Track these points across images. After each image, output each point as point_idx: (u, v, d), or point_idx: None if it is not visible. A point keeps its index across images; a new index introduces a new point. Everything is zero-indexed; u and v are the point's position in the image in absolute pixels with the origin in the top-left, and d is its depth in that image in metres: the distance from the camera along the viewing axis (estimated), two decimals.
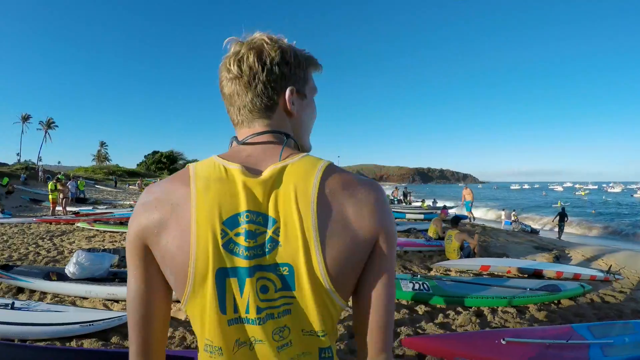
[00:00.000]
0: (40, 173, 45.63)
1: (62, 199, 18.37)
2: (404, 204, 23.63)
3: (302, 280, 0.84)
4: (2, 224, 14.81)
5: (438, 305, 5.34)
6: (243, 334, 0.87)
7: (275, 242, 0.84)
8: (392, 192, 29.06)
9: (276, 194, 0.86)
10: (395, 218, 13.88)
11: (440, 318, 4.89)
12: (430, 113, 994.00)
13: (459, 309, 5.19)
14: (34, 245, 10.07)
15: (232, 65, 0.92)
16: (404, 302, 5.45)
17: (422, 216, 15.77)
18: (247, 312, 0.85)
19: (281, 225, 0.84)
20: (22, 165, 54.69)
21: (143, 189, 29.98)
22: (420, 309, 5.18)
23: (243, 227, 0.83)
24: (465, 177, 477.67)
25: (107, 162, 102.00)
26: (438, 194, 67.86)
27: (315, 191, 0.85)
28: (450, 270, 7.37)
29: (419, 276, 5.87)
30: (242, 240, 0.83)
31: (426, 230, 11.26)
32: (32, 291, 6.06)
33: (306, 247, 0.83)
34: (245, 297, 0.84)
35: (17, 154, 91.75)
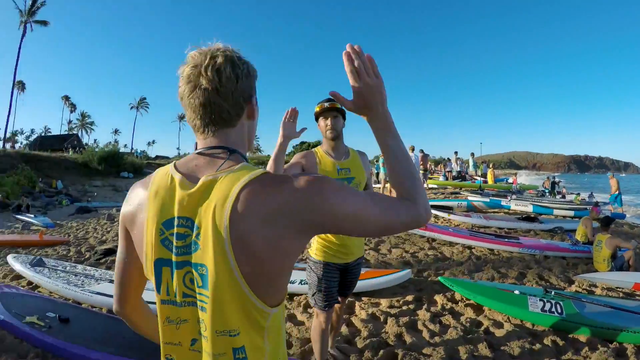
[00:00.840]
0: None
1: None
2: (552, 196, 20.61)
3: (213, 281, 0.96)
4: None
5: (571, 335, 4.27)
6: (172, 313, 1.04)
7: (196, 245, 0.98)
8: (543, 183, 25.98)
9: (202, 203, 0.98)
10: (541, 214, 11.39)
11: (569, 354, 3.89)
12: (589, 94, 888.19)
13: (598, 343, 4.06)
14: None
15: (207, 73, 1.01)
16: (528, 325, 4.50)
17: (572, 213, 13.37)
18: (175, 295, 1.03)
19: (201, 231, 0.97)
20: (179, 158, 61.31)
21: None
22: (547, 338, 4.16)
23: (176, 230, 1.01)
24: (626, 167, 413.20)
25: (259, 153, 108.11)
26: (596, 185, 59.28)
27: (232, 200, 0.95)
28: (595, 286, 5.95)
29: (552, 293, 4.81)
30: (174, 240, 1.01)
31: (573, 232, 9.57)
32: None
33: (218, 250, 0.94)
34: (174, 284, 1.02)
35: (177, 148, 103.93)
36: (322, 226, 0.98)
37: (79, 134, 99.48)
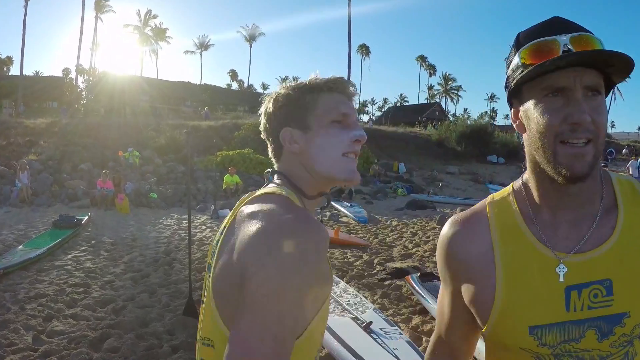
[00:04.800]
0: None
1: None
2: None
3: (205, 287, 1.22)
4: None
5: None
6: None
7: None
8: None
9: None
10: None
11: None
12: None
13: None
14: None
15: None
16: None
17: None
18: None
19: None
20: None
21: None
22: None
23: None
24: None
25: None
26: None
27: (231, 218, 1.19)
28: None
29: None
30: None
31: None
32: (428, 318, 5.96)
33: (213, 259, 1.18)
34: None
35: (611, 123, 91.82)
36: (237, 274, 1.05)
37: (444, 103, 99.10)
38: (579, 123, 0.99)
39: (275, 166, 1.32)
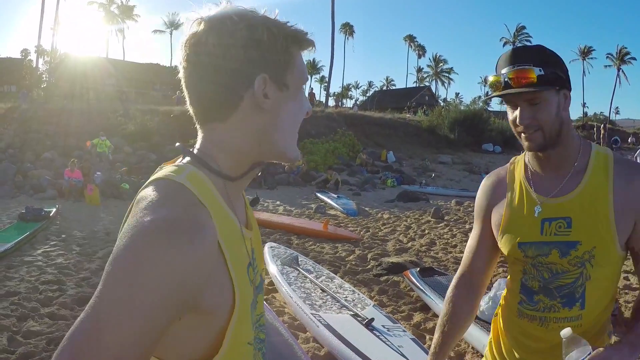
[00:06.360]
0: (601, 132, 33.30)
1: None
2: None
3: None
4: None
5: None
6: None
7: None
8: None
9: None
10: None
11: None
12: None
13: None
14: None
15: (187, 49, 1.05)
16: None
17: None
18: None
19: None
20: (579, 122, 55.48)
21: None
22: None
23: None
24: None
25: None
26: None
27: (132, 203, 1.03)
28: None
29: None
30: None
31: None
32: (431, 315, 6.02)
33: None
34: None
35: (583, 105, 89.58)
36: None
37: (434, 87, 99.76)
38: (521, 125, 1.70)
39: (202, 129, 1.11)
